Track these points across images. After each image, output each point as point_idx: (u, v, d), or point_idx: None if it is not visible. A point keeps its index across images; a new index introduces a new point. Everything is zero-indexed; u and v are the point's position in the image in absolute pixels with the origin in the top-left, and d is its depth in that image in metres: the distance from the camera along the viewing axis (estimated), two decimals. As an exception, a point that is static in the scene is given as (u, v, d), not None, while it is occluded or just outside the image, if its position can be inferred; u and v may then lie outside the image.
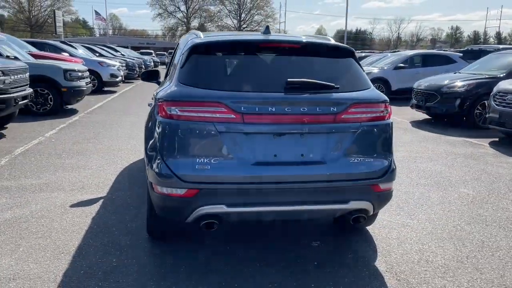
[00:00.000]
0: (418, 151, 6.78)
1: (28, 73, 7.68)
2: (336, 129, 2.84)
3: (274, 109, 2.73)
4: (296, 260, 3.13)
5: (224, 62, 2.96)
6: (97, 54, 17.74)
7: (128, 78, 19.11)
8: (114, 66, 14.85)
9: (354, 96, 2.93)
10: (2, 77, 6.62)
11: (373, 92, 3.08)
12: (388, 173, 2.98)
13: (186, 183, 2.67)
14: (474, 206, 4.32)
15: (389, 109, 3.06)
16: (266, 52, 3.05)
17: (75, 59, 12.49)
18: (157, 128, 2.81)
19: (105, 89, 14.95)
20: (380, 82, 13.54)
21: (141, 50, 42.33)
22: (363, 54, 24.17)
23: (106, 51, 20.58)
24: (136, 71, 20.66)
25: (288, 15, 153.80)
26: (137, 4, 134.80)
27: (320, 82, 2.86)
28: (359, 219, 3.00)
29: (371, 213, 3.04)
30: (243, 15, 72.92)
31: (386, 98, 3.07)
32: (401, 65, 14.05)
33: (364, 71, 3.24)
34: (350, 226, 3.53)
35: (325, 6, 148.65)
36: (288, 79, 2.79)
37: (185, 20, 72.27)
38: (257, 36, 3.48)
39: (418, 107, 9.81)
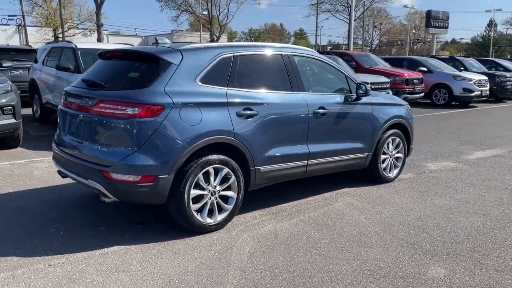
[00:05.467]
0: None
1: None
2: (89, 118, 3.50)
3: (70, 99, 3.79)
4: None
5: (93, 65, 4.10)
6: (462, 68, 16.59)
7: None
8: (470, 80, 14.15)
9: (103, 93, 3.44)
10: None
11: (141, 92, 3.33)
12: (117, 164, 3.23)
13: (53, 145, 4.13)
14: None
15: (144, 110, 3.24)
16: (112, 58, 3.98)
17: (400, 73, 12.96)
18: None
19: (453, 103, 14.48)
20: None
21: None
22: None
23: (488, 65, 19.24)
24: None
25: None
26: None
27: (93, 80, 3.61)
28: (103, 199, 3.47)
29: (113, 197, 3.36)
30: None
31: (144, 100, 3.27)
32: None
33: (161, 74, 3.39)
34: None
35: None
36: (82, 78, 3.68)
37: None
38: (113, 46, 4.15)
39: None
